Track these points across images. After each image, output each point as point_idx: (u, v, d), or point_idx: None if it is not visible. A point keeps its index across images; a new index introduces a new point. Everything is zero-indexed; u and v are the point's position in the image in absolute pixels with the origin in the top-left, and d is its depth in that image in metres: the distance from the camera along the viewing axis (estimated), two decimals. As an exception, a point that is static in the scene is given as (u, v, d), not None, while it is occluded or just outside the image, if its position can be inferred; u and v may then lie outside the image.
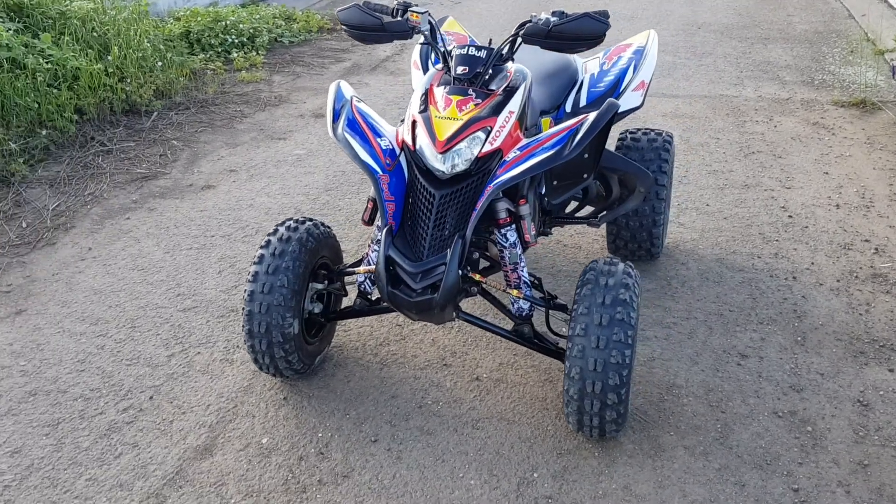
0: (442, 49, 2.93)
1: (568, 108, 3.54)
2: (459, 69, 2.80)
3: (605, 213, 3.67)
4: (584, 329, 2.54)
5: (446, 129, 2.70)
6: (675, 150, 4.73)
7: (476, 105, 2.75)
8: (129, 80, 6.31)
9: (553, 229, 4.02)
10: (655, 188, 3.67)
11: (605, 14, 2.85)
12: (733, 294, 3.69)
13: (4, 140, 5.22)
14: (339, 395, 3.01)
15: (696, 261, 3.99)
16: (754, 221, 4.40)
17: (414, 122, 2.78)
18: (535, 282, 2.97)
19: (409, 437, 2.80)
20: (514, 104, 2.81)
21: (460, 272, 2.62)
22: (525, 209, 2.79)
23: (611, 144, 3.45)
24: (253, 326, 2.82)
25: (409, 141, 2.78)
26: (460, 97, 2.77)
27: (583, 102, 3.56)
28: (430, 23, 2.97)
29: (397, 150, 2.82)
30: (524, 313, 2.85)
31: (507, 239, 2.78)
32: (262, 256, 2.85)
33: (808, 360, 3.20)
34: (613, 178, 3.63)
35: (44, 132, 5.51)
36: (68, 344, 3.36)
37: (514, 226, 2.79)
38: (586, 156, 3.00)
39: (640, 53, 3.72)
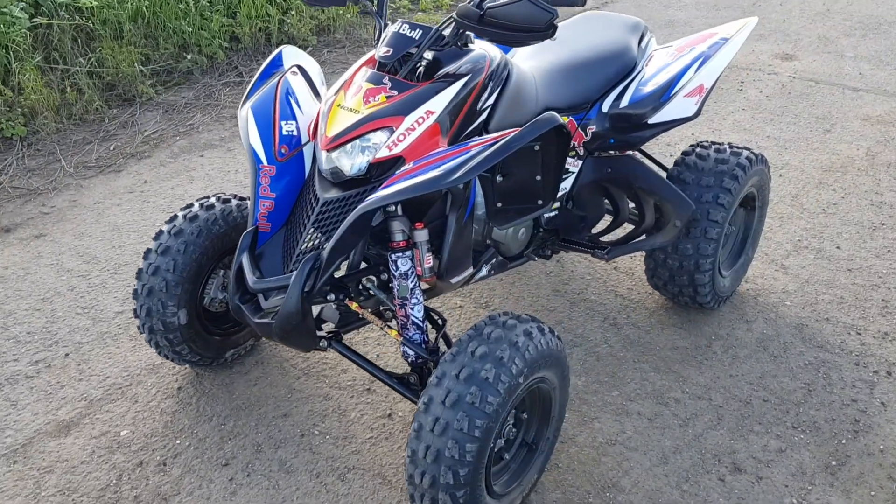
0: (380, 25, 2.39)
1: (605, 106, 2.82)
2: (382, 50, 2.27)
3: (620, 244, 2.94)
4: (426, 404, 1.99)
5: (339, 123, 2.21)
6: (793, 176, 3.67)
7: (388, 97, 2.21)
8: (292, 13, 6.26)
9: (560, 252, 3.30)
10: (704, 224, 2.85)
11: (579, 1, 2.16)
12: (786, 378, 2.81)
13: (145, 60, 5.39)
14: (232, 400, 2.69)
15: (769, 322, 3.09)
16: (887, 283, 3.33)
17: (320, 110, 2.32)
18: (440, 322, 2.40)
19: (262, 470, 2.42)
20: (439, 102, 2.22)
21: (319, 295, 2.16)
22: (422, 235, 2.22)
23: (665, 157, 2.73)
24: (137, 308, 2.57)
25: (315, 131, 2.33)
26: (372, 85, 2.24)
27: (624, 102, 2.82)
28: None
29: (304, 139, 2.37)
30: (410, 359, 2.32)
31: (398, 267, 2.24)
32: (159, 233, 2.58)
33: (827, 500, 2.33)
34: (648, 201, 2.89)
35: (189, 56, 5.63)
36: (49, 279, 3.36)
37: (409, 252, 2.24)
38: (538, 178, 2.33)
39: (716, 48, 2.86)
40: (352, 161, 2.17)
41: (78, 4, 5.09)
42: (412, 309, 2.26)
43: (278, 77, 2.48)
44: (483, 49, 2.41)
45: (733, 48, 2.88)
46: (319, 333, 2.33)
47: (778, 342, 2.99)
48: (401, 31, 2.28)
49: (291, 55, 2.59)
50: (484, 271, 2.68)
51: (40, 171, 4.30)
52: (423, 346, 2.28)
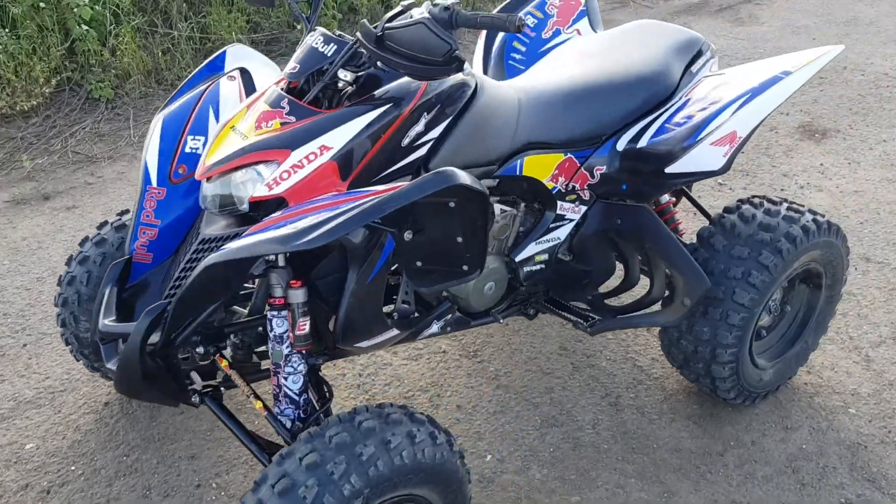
0: (307, 33, 1.99)
1: (621, 143, 2.28)
2: (290, 66, 1.88)
3: (615, 315, 2.40)
4: (256, 484, 1.64)
5: (222, 149, 1.86)
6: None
7: (283, 124, 1.83)
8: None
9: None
10: (727, 307, 2.25)
11: (513, 22, 1.67)
12: (806, 518, 2.17)
13: (253, 28, 5.29)
14: (150, 427, 2.46)
15: (815, 433, 2.43)
16: None
17: None
18: (327, 395, 2.01)
19: (136, 522, 2.18)
20: (339, 136, 1.81)
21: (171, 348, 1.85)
22: (297, 295, 1.83)
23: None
24: (57, 317, 2.39)
25: None
26: (269, 108, 1.87)
27: (643, 141, 2.26)
28: None
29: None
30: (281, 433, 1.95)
31: (273, 328, 1.88)
32: (84, 239, 2.36)
33: None
34: (659, 268, 2.34)
35: (298, 27, 5.46)
36: (55, 256, 3.29)
37: (286, 312, 1.86)
38: (459, 240, 1.87)
39: (768, 84, 2.21)
40: (229, 195, 1.83)
41: (185, -32, 5.04)
42: (286, 379, 1.89)
43: (209, 83, 2.17)
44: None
45: (789, 87, 2.22)
46: (194, 386, 2.03)
47: (816, 464, 2.33)
48: (314, 44, 1.88)
49: (238, 56, 2.26)
50: (435, 328, 2.24)
51: (108, 138, 4.29)
52: (294, 423, 1.91)
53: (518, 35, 2.72)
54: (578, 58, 2.46)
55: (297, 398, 1.90)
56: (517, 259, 2.29)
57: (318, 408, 1.95)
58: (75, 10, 4.49)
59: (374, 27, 1.78)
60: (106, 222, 2.37)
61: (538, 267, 2.35)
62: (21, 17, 4.46)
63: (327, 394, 2.01)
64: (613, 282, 2.51)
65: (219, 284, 1.78)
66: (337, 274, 1.90)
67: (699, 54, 2.48)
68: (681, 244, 2.26)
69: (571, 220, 2.34)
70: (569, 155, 2.24)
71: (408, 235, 1.83)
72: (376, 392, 2.58)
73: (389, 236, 1.86)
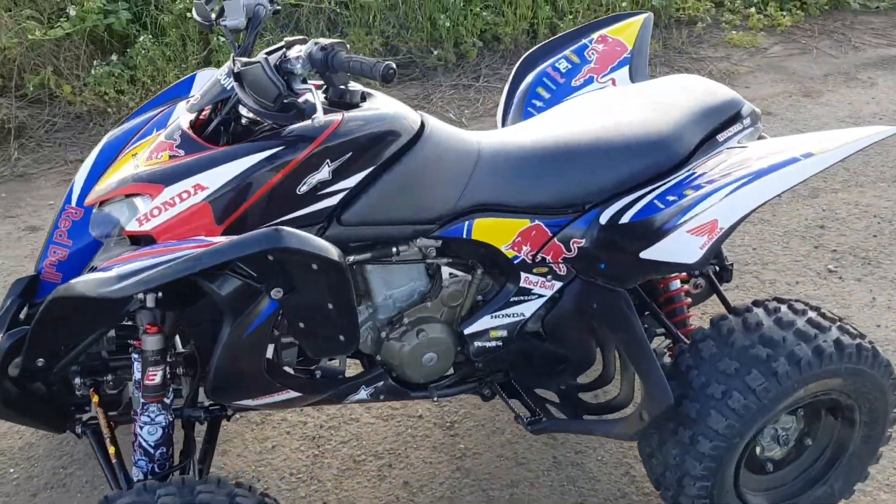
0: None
1: (605, 216, 1.94)
2: (193, 95, 1.76)
3: (568, 416, 2.05)
4: None
5: (113, 176, 1.80)
6: None
7: (171, 157, 1.72)
8: (568, 17, 5.67)
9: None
10: (698, 429, 1.84)
11: (379, 70, 1.47)
12: None
13: (390, 50, 5.29)
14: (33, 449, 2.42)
15: None
16: None
17: None
18: (197, 462, 1.84)
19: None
20: (217, 175, 1.66)
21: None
22: (149, 342, 1.69)
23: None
24: None
25: None
26: (164, 139, 1.77)
27: (627, 216, 1.91)
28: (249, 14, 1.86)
29: None
30: None
31: (133, 372, 1.75)
32: None
33: None
34: (629, 370, 1.99)
35: (436, 52, 5.40)
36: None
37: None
38: (331, 306, 1.65)
39: (777, 168, 1.79)
40: (98, 225, 1.75)
41: (330, -13, 5.13)
42: (140, 429, 1.76)
43: (166, 106, 2.10)
44: (361, 111, 1.77)
45: (800, 172, 1.78)
46: (82, 415, 1.95)
47: None
48: (219, 75, 1.75)
49: (203, 79, 2.18)
50: (364, 393, 2.03)
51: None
52: (146, 476, 1.77)
53: (544, 81, 2.44)
54: (583, 112, 2.15)
55: (151, 450, 1.76)
56: (466, 331, 2.01)
57: (175, 463, 1.81)
58: (215, 22, 4.70)
59: (238, 63, 1.61)
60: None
61: (493, 343, 2.05)
62: (168, 25, 4.75)
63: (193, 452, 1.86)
64: (592, 373, 2.16)
65: (76, 318, 1.69)
66: (209, 324, 1.75)
67: (733, 120, 2.08)
68: (647, 345, 1.88)
69: (540, 296, 2.03)
70: (536, 222, 1.94)
71: (276, 293, 1.64)
72: (329, 449, 2.39)
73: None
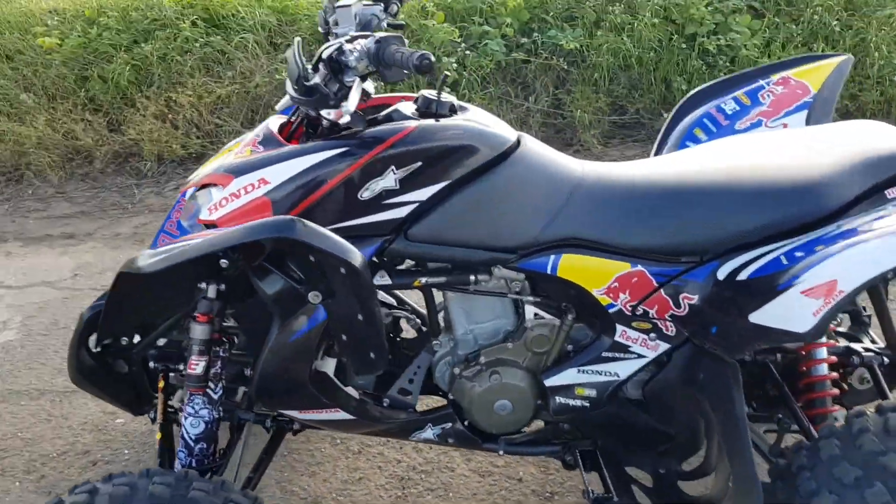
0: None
1: (723, 271, 1.66)
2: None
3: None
4: None
5: (204, 167, 1.84)
6: None
7: (252, 152, 1.74)
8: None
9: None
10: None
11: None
12: None
13: (614, 109, 5.14)
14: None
15: None
16: None
17: None
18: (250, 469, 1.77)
19: None
20: (281, 171, 1.64)
21: None
22: (197, 330, 1.67)
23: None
24: None
25: None
26: (253, 136, 1.79)
27: (746, 273, 1.62)
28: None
29: None
30: None
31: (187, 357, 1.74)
32: None
33: None
34: (722, 459, 1.69)
35: (665, 116, 5.14)
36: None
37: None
38: (360, 317, 1.53)
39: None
40: (192, 213, 1.79)
41: (560, 44, 5.09)
42: (185, 419, 1.74)
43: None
44: (440, 122, 1.67)
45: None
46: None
47: None
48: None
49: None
50: (430, 433, 1.90)
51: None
52: (183, 468, 1.74)
53: (704, 122, 2.17)
54: (725, 150, 1.87)
55: (191, 444, 1.74)
56: (548, 382, 1.80)
57: (214, 461, 1.76)
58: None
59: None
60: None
61: (579, 403, 1.81)
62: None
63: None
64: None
65: (137, 294, 1.72)
66: (259, 324, 1.70)
67: (913, 174, 1.68)
68: (746, 431, 1.53)
69: (641, 356, 1.76)
70: (639, 268, 1.69)
71: (314, 297, 1.57)
72: (413, 493, 2.24)
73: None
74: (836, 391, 1.83)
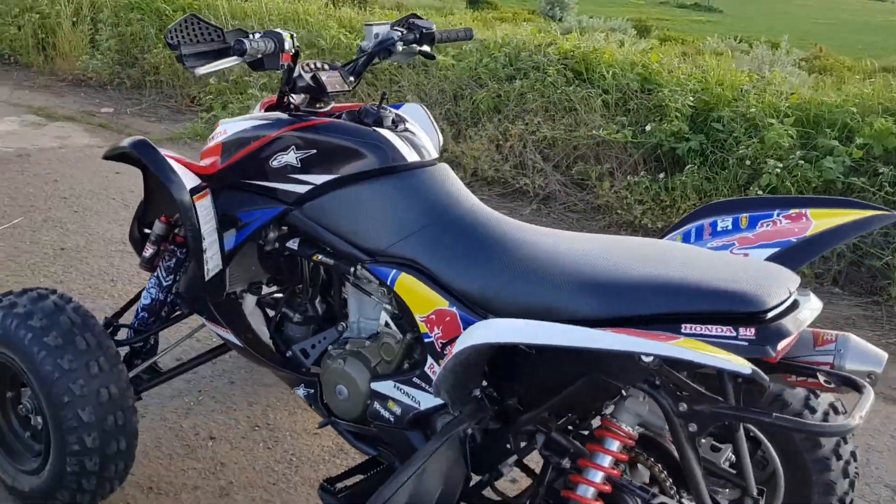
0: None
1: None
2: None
3: None
4: None
5: None
6: None
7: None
8: None
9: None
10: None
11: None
12: None
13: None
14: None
15: None
16: None
17: None
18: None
19: None
20: (233, 126, 2.12)
21: None
22: (158, 227, 2.18)
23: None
24: None
25: None
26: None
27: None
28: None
29: None
30: None
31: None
32: None
33: None
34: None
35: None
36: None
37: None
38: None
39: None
40: None
41: None
42: (144, 292, 2.29)
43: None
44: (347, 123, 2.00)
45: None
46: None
47: None
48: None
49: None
50: (301, 391, 2.15)
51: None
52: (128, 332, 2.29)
53: (689, 233, 2.00)
54: (597, 239, 1.80)
55: (139, 311, 2.28)
56: (373, 386, 1.95)
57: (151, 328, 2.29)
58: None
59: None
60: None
61: (387, 414, 1.94)
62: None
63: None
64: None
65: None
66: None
67: (720, 319, 1.46)
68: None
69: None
70: (453, 308, 1.77)
71: None
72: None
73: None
74: None
